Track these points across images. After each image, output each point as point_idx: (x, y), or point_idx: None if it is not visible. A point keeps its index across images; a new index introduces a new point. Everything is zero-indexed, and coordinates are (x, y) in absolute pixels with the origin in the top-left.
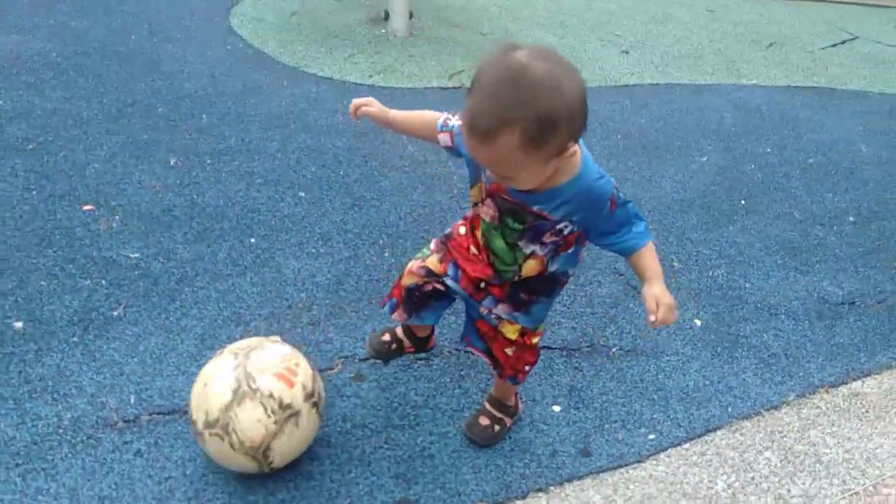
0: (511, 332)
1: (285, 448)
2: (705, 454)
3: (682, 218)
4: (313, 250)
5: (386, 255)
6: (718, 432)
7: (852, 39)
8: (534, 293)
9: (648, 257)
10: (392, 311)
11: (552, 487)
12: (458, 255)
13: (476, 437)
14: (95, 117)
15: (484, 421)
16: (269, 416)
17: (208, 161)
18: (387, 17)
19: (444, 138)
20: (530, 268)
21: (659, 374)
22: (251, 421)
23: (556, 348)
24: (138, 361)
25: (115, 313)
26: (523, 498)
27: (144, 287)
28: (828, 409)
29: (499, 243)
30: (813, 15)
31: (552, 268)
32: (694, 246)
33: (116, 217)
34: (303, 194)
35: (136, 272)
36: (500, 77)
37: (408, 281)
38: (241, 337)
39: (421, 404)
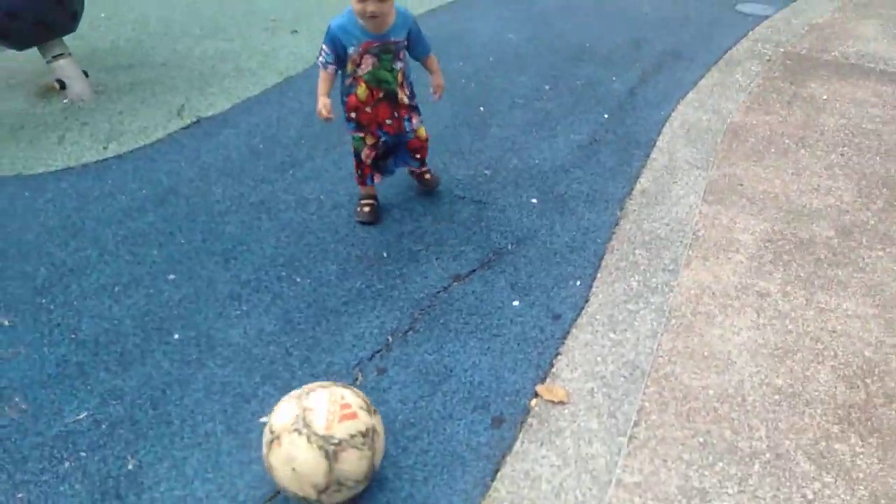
0: (423, 131)
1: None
2: (610, 273)
3: (456, 137)
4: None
5: None
6: (605, 257)
7: None
8: (412, 98)
9: (434, 60)
10: (372, 181)
11: None
12: (372, 122)
13: (437, 183)
14: None
15: (429, 175)
16: (363, 449)
17: None
18: (62, 86)
19: (331, 69)
20: (401, 76)
21: (546, 245)
22: (352, 460)
23: (477, 269)
24: None
25: None
26: None
27: None
28: (637, 207)
29: (383, 73)
30: None
31: (407, 73)
32: (482, 152)
33: None
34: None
35: None
36: None
37: (369, 159)
38: None
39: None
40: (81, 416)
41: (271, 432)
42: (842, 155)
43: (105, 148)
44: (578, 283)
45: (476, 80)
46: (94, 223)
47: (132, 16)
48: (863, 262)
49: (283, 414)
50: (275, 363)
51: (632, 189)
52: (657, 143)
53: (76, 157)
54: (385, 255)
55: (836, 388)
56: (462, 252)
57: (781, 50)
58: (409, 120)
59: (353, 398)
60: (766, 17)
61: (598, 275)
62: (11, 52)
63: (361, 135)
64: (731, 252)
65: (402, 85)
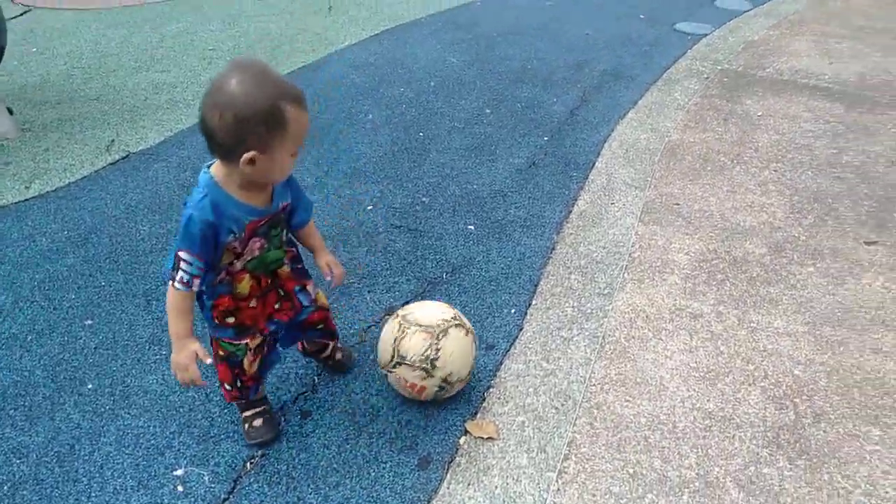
0: (322, 297)
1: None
2: (545, 300)
3: (396, 166)
4: None
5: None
6: (541, 282)
7: None
8: (298, 260)
9: (315, 230)
10: (256, 392)
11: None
12: (259, 317)
13: (352, 362)
14: None
15: (341, 355)
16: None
17: None
18: None
19: (196, 284)
20: (287, 244)
21: (482, 273)
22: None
23: (411, 300)
24: None
25: None
26: None
27: None
28: (574, 230)
29: (273, 254)
30: None
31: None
32: (421, 180)
33: None
34: None
35: None
36: None
37: (254, 366)
38: None
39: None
40: None
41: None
42: (775, 171)
43: (27, 188)
44: (513, 311)
45: (416, 105)
46: (10, 267)
47: (64, 49)
48: (794, 279)
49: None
50: (193, 410)
51: (569, 212)
52: (596, 165)
53: (14, 194)
54: None
55: (765, 409)
56: (396, 283)
57: (719, 68)
58: (304, 290)
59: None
60: (704, 36)
61: (534, 302)
62: None
63: (244, 341)
64: (666, 273)
65: (287, 253)
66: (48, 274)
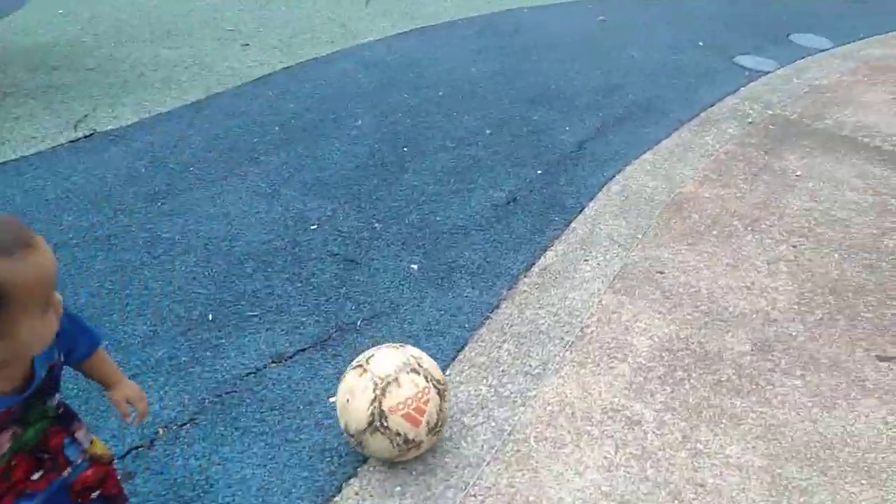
0: (100, 446)
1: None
2: (462, 371)
3: (364, 183)
4: None
5: None
6: (465, 348)
7: None
8: (61, 405)
9: (106, 356)
10: None
11: None
12: (7, 493)
13: None
14: None
15: None
16: (394, 448)
17: None
18: None
19: None
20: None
21: (403, 325)
22: (379, 447)
23: (308, 348)
24: None
25: None
26: None
27: None
28: (529, 287)
29: (32, 432)
30: None
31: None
32: (384, 202)
33: None
34: None
35: None
36: None
37: None
38: None
39: None
40: None
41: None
42: (794, 247)
43: None
44: None
45: (413, 115)
46: None
47: (87, 14)
48: (771, 392)
49: (387, 366)
50: None
51: (532, 264)
52: (584, 210)
53: None
54: (211, 318)
55: None
56: (301, 324)
57: (769, 112)
58: (73, 442)
59: (431, 410)
60: (765, 73)
61: (448, 372)
62: None
63: None
64: (617, 360)
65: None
66: None
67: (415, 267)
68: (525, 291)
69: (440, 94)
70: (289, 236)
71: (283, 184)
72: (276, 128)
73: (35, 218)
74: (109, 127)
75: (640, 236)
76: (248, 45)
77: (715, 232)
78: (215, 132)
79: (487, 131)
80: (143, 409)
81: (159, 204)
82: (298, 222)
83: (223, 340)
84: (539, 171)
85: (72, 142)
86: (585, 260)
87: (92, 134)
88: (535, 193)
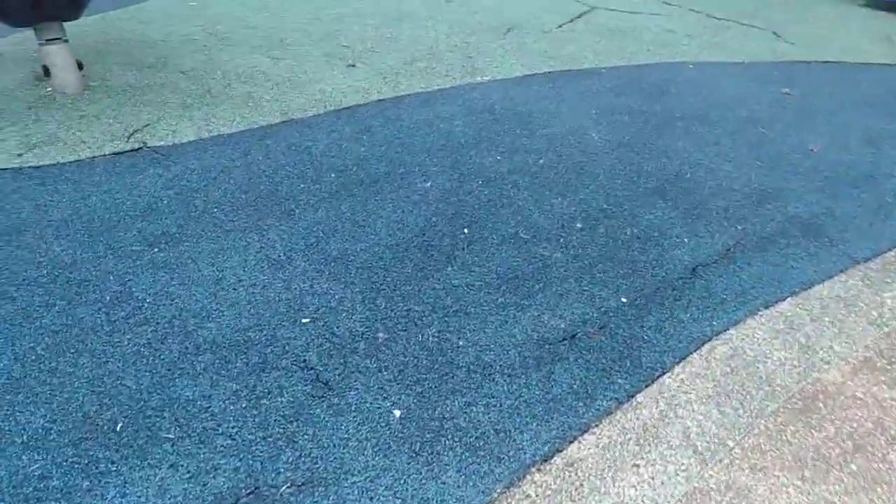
0: None
1: None
2: None
3: (395, 269)
4: None
5: None
6: None
7: (588, 12)
8: None
9: None
10: None
11: None
12: None
13: None
14: None
15: None
16: None
17: None
18: (47, 72)
19: None
20: None
21: None
22: None
23: None
24: None
25: None
26: None
27: None
28: (538, 495)
29: None
30: None
31: None
32: (405, 303)
33: None
34: None
35: None
36: None
37: None
38: None
39: None
40: None
41: None
42: None
43: (20, 155)
44: None
45: (495, 186)
46: None
47: (213, 11)
48: None
49: None
50: None
51: (557, 451)
52: (664, 378)
53: (5, 157)
54: (119, 427)
55: None
56: (214, 469)
57: None
58: None
59: None
60: None
61: None
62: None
63: None
64: None
65: None
66: None
67: (397, 413)
68: (528, 498)
69: (539, 161)
70: (270, 328)
71: (303, 251)
72: (333, 174)
73: (22, 242)
74: (161, 143)
75: (731, 444)
76: (353, 65)
77: (858, 456)
78: (263, 169)
79: (578, 225)
80: None
81: (156, 250)
82: (292, 310)
83: (113, 469)
84: (623, 300)
85: (115, 153)
86: (636, 465)
87: (140, 148)
88: (605, 333)
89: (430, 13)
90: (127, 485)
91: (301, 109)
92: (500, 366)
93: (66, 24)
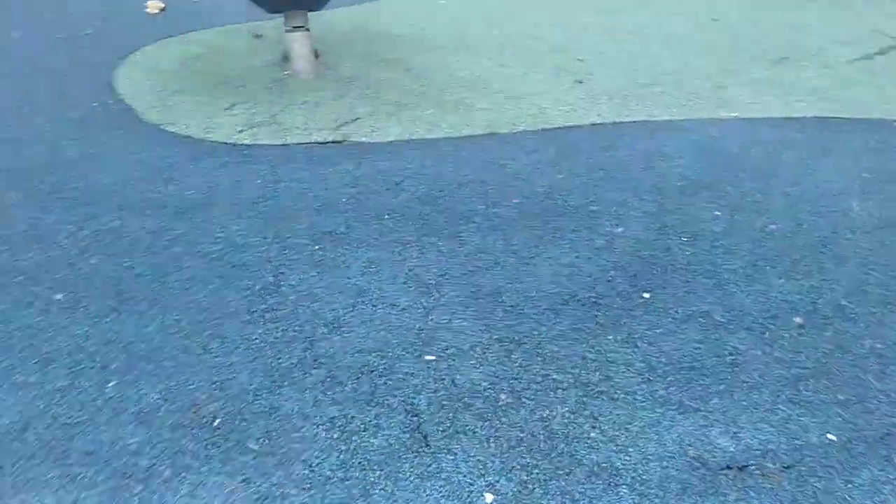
0: None
1: None
2: None
3: (546, 322)
4: (21, 378)
5: (110, 385)
6: None
7: (894, 48)
8: None
9: None
10: None
11: None
12: None
13: None
14: None
15: None
16: None
17: None
18: (286, 58)
19: None
20: None
21: None
22: None
23: None
24: None
25: None
26: None
27: None
28: None
29: None
30: (852, 18)
31: None
32: (544, 366)
33: None
34: (59, 297)
35: None
36: None
37: None
38: None
39: None
40: None
41: None
42: None
43: (240, 132)
44: None
45: (701, 249)
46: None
47: (454, 13)
48: None
49: None
50: None
51: None
52: None
53: (201, 127)
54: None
55: None
56: None
57: None
58: None
59: None
60: None
61: None
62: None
63: None
64: None
65: None
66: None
67: (488, 499)
68: None
69: (769, 227)
70: (392, 357)
71: (456, 280)
72: (517, 199)
73: (209, 216)
74: (363, 139)
75: None
76: (581, 82)
77: None
78: (448, 181)
79: (797, 320)
80: None
81: (317, 247)
82: (420, 342)
83: (195, 466)
84: (832, 437)
85: (319, 143)
86: None
87: (342, 142)
88: (791, 478)
89: (687, 31)
90: (199, 487)
91: (510, 123)
92: (632, 479)
93: (311, 15)
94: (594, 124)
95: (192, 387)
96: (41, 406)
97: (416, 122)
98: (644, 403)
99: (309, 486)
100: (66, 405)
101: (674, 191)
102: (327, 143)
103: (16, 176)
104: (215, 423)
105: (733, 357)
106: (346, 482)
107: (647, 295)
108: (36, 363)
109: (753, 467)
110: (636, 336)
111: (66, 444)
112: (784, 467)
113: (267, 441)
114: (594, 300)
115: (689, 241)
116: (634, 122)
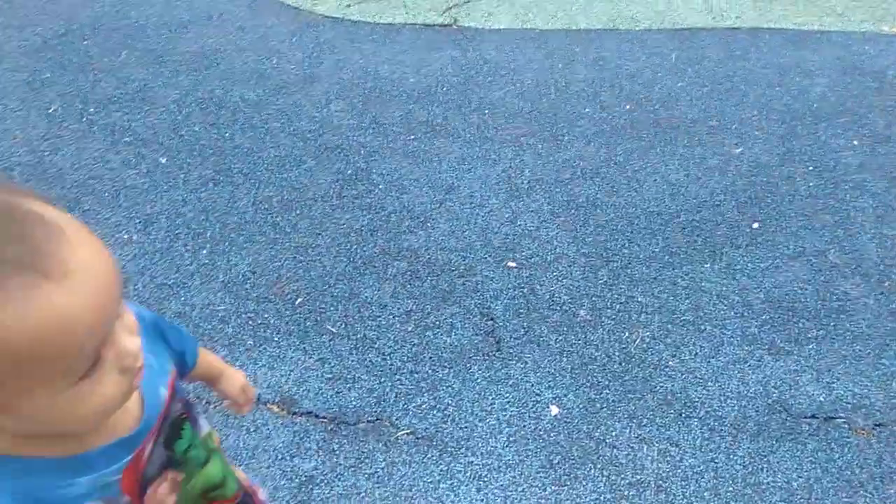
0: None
1: None
2: None
3: (640, 242)
4: (125, 235)
5: (203, 252)
6: None
7: None
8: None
9: (205, 353)
10: None
11: None
12: None
13: None
14: (9, 46)
15: None
16: None
17: (91, 111)
18: None
19: None
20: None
21: None
22: None
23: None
24: None
25: None
26: None
27: None
28: None
29: (211, 472)
30: None
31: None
32: (631, 288)
33: None
34: (163, 160)
35: None
36: None
37: None
38: None
39: None
40: None
41: None
42: None
43: (348, 6)
44: None
45: (828, 181)
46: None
47: None
48: None
49: None
50: None
51: None
52: None
53: (332, 5)
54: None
55: None
56: None
57: None
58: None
59: None
60: None
61: None
62: None
63: None
64: None
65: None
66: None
67: (554, 411)
68: None
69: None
70: (474, 260)
71: (548, 186)
72: (628, 105)
73: (309, 93)
74: (472, 24)
75: None
76: None
77: None
78: (556, 79)
79: None
80: (252, 392)
81: (412, 137)
82: (504, 248)
83: (275, 339)
84: None
85: (426, 25)
86: None
87: (450, 25)
88: (882, 437)
89: None
90: (278, 360)
91: (632, 19)
92: (706, 412)
93: None
94: (730, 28)
95: (277, 264)
96: (141, 265)
97: (531, 11)
98: (732, 339)
99: (379, 373)
100: (163, 267)
101: (807, 113)
102: (435, 25)
103: (129, 35)
104: (297, 302)
105: (841, 303)
106: (415, 374)
107: (756, 225)
108: (140, 222)
109: (841, 420)
110: (736, 267)
111: (160, 305)
112: (876, 424)
113: (343, 325)
114: (696, 224)
115: (815, 171)
116: (777, 28)
